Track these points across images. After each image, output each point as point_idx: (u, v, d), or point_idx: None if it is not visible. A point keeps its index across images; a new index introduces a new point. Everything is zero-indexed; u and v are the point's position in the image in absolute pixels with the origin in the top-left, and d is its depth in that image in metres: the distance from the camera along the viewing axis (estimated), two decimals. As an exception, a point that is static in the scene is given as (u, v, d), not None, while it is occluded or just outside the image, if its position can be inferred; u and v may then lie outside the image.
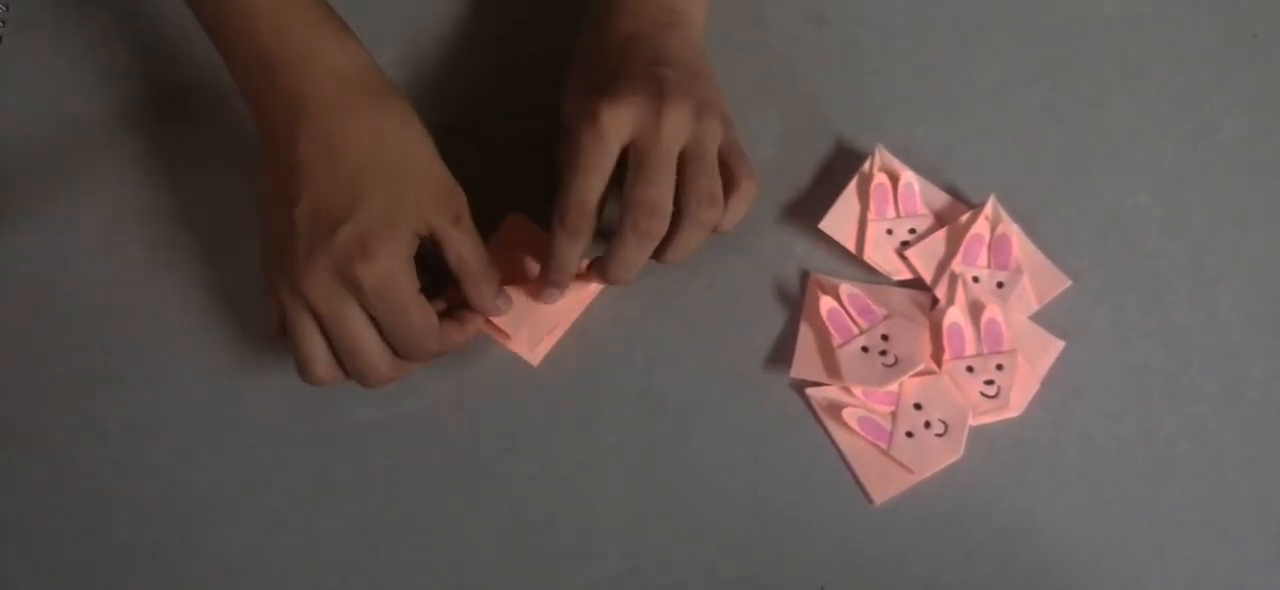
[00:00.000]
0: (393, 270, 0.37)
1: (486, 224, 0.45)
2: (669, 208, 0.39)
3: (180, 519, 0.42)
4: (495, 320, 0.43)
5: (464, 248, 0.39)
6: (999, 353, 0.43)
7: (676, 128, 0.38)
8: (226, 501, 0.42)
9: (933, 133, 0.48)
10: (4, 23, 0.45)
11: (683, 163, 0.39)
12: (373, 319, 0.38)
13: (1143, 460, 0.42)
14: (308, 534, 0.41)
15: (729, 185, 0.40)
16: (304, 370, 0.38)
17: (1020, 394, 0.43)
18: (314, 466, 0.42)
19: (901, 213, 0.45)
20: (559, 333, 0.44)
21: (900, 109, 0.48)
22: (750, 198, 0.41)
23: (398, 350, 0.38)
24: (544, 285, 0.41)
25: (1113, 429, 0.43)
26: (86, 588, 0.41)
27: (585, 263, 0.42)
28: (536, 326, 0.43)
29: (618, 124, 0.38)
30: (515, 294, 0.42)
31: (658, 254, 0.40)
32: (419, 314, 0.38)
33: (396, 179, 0.38)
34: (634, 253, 0.39)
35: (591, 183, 0.39)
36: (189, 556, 0.41)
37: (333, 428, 0.43)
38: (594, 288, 0.44)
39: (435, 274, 0.40)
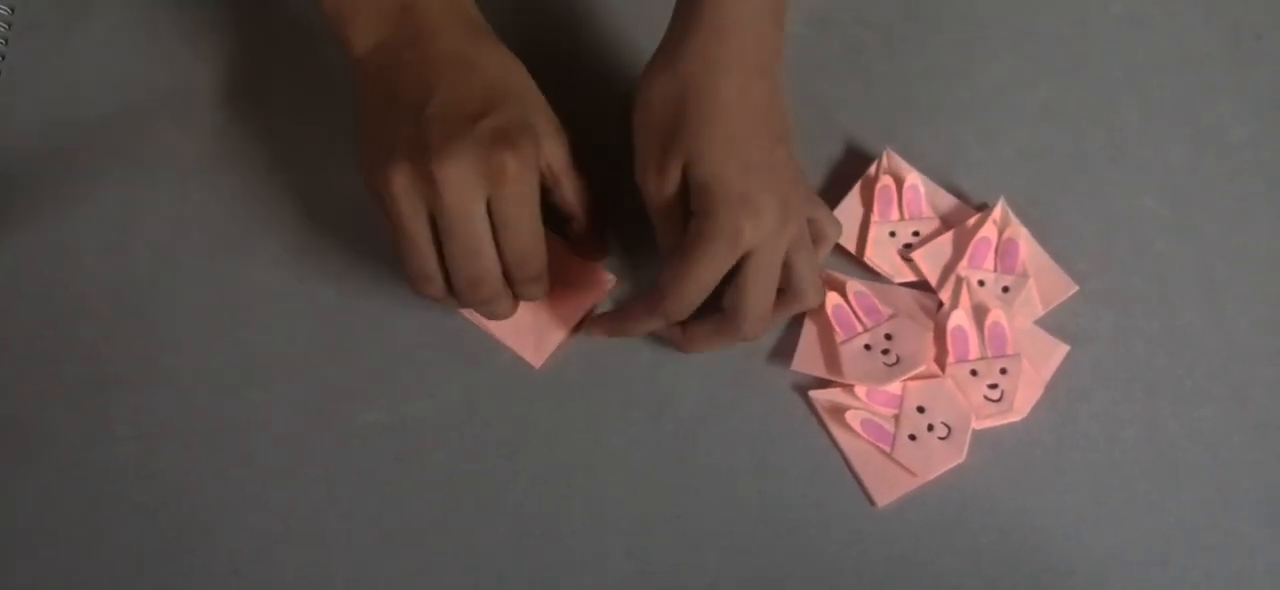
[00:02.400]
0: (530, 166, 0.37)
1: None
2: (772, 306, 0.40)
3: (187, 521, 0.42)
4: (497, 326, 0.43)
5: (580, 188, 0.41)
6: (1003, 357, 0.43)
7: (788, 238, 0.39)
8: (233, 504, 0.42)
9: (938, 135, 0.48)
10: (9, 25, 0.45)
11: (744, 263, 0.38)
12: (493, 227, 0.37)
13: (1147, 464, 0.42)
14: (314, 536, 0.42)
15: (783, 295, 0.41)
16: (417, 278, 0.38)
17: (1024, 398, 0.43)
18: (321, 469, 0.42)
19: (905, 215, 0.45)
20: (562, 336, 0.44)
21: (905, 112, 0.48)
22: (792, 309, 0.41)
23: (508, 261, 0.38)
24: (603, 327, 0.43)
25: (1117, 432, 0.43)
26: (94, 586, 0.41)
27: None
28: (541, 330, 0.43)
29: (749, 236, 0.37)
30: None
31: (682, 331, 0.42)
32: (536, 225, 0.38)
33: (525, 102, 0.39)
34: (720, 343, 0.41)
35: (705, 285, 0.38)
36: (196, 558, 0.41)
37: (339, 431, 0.43)
38: (598, 293, 0.44)
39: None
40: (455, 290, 0.38)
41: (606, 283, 0.44)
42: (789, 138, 0.40)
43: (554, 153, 0.39)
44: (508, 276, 0.39)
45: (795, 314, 0.42)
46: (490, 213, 0.37)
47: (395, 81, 0.38)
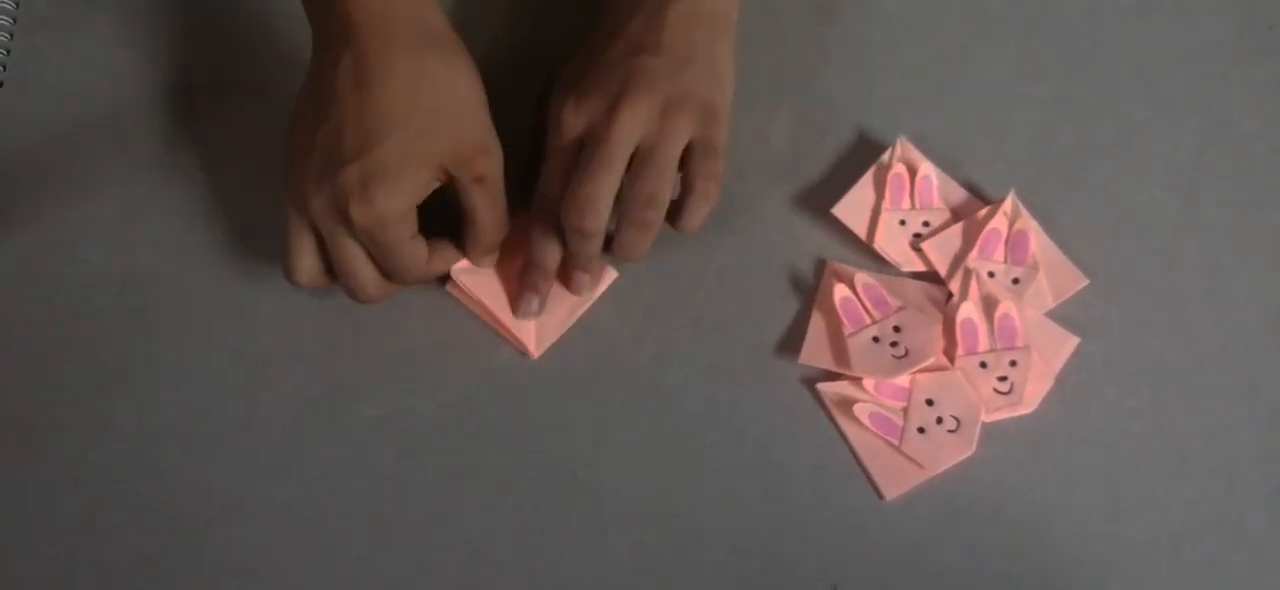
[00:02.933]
0: (386, 216, 0.38)
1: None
2: (606, 206, 0.39)
3: (191, 516, 0.42)
4: (499, 314, 0.43)
5: (477, 209, 0.40)
6: (1012, 349, 0.43)
7: (629, 127, 0.39)
8: (238, 499, 0.42)
9: (945, 128, 0.47)
10: (14, 20, 0.45)
11: (633, 160, 0.39)
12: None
13: (1157, 457, 0.42)
14: (318, 530, 0.41)
15: (686, 185, 0.40)
16: (289, 272, 0.40)
17: (1034, 390, 0.42)
18: (324, 464, 0.42)
19: (917, 205, 0.45)
20: (564, 326, 0.44)
21: (912, 104, 0.47)
22: (707, 200, 0.40)
23: (386, 275, 0.41)
24: (526, 274, 0.43)
25: (1127, 425, 0.43)
26: (97, 583, 0.41)
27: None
28: (542, 322, 0.43)
29: (572, 120, 0.39)
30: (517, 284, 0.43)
31: (606, 250, 0.41)
32: (408, 252, 0.40)
33: (422, 126, 0.38)
34: (579, 250, 0.41)
35: (558, 177, 0.40)
36: (200, 553, 0.41)
37: (343, 425, 0.43)
38: (601, 283, 0.44)
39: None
40: (389, 278, 0.41)
41: (608, 275, 0.44)
42: (653, 54, 0.39)
43: (456, 168, 0.39)
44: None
45: (701, 213, 0.40)
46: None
47: (313, 93, 0.40)
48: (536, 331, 0.43)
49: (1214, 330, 0.44)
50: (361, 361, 0.44)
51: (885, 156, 0.46)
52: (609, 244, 0.41)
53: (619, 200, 0.40)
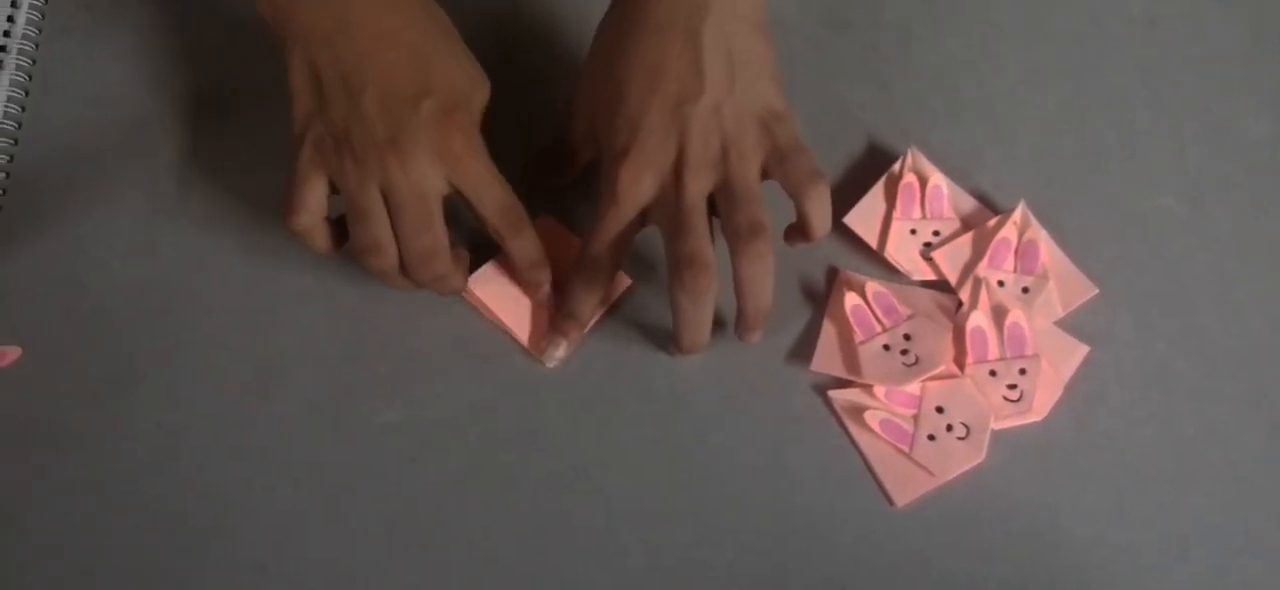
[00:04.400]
0: (473, 135, 0.40)
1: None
2: (710, 256, 0.38)
3: (210, 518, 0.42)
4: (514, 326, 0.43)
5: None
6: (1022, 357, 0.43)
7: (700, 185, 0.38)
8: (253, 502, 0.42)
9: (955, 136, 0.48)
10: (39, 30, 0.46)
11: (716, 202, 0.39)
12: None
13: (1166, 464, 0.42)
14: (332, 535, 0.42)
15: (795, 191, 0.39)
16: (369, 252, 0.40)
17: (1043, 398, 0.43)
18: (341, 468, 0.43)
19: (927, 214, 0.46)
20: (578, 336, 0.44)
21: (922, 114, 0.48)
22: (820, 191, 0.39)
23: (489, 217, 0.41)
24: (551, 337, 0.43)
25: (1136, 433, 0.43)
26: (115, 584, 0.42)
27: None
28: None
29: (634, 192, 0.39)
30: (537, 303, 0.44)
31: (741, 313, 0.40)
32: (497, 175, 0.41)
33: (450, 61, 0.41)
34: (694, 313, 0.40)
35: (608, 239, 0.40)
36: (216, 555, 0.42)
37: (356, 431, 0.43)
38: (615, 291, 0.45)
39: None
40: (408, 266, 0.40)
41: (623, 282, 0.45)
42: (697, 98, 0.38)
43: (479, 102, 0.41)
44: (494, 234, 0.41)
45: (822, 210, 0.39)
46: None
47: (328, 65, 0.39)
48: (549, 339, 0.44)
49: (1222, 338, 0.44)
50: (375, 367, 0.44)
51: (896, 166, 0.46)
52: (740, 320, 0.41)
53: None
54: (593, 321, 0.44)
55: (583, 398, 0.44)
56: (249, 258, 0.46)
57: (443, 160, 0.39)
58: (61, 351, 0.45)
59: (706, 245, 0.38)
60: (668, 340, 0.44)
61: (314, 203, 0.40)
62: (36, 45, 0.49)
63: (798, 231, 0.40)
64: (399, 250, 0.40)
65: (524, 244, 0.42)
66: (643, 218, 0.41)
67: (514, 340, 0.44)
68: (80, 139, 0.48)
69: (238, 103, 0.49)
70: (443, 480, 0.43)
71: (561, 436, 0.43)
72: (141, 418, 0.44)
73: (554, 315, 0.43)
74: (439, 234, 0.40)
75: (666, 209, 0.39)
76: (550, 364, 0.43)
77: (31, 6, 0.50)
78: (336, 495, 0.43)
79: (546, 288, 0.44)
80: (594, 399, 0.44)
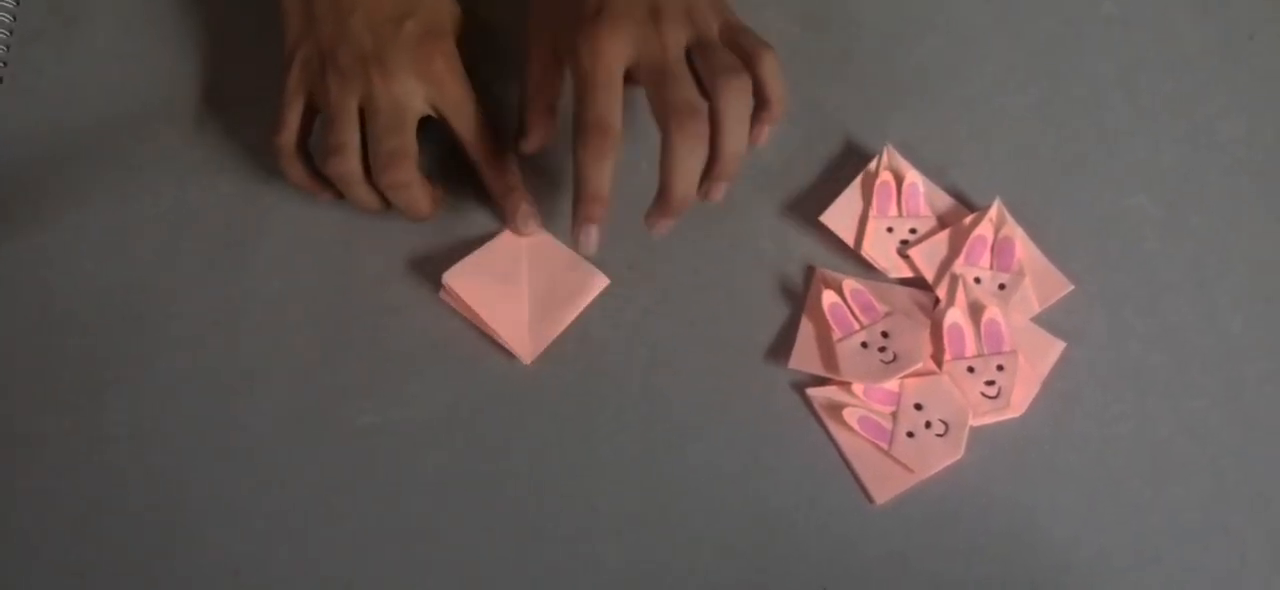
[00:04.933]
0: (452, 55, 0.43)
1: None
2: (704, 104, 0.39)
3: (184, 522, 0.42)
4: (490, 320, 0.43)
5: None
6: (1000, 353, 0.43)
7: (678, 36, 0.40)
8: (231, 505, 0.42)
9: (931, 134, 0.48)
10: (10, 33, 0.46)
11: (692, 57, 0.40)
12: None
13: (1142, 460, 0.42)
14: (308, 538, 0.42)
15: (748, 62, 0.40)
16: (335, 151, 0.42)
17: (1021, 395, 0.43)
18: (317, 471, 0.42)
19: (904, 212, 0.46)
20: (555, 331, 0.44)
21: (898, 112, 0.48)
22: (774, 63, 0.41)
23: (463, 134, 0.43)
24: (579, 227, 0.41)
25: (1112, 430, 0.43)
26: (85, 589, 0.41)
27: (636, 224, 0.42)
28: (535, 326, 0.44)
29: (617, 48, 0.39)
30: (512, 295, 0.44)
31: (711, 170, 0.40)
32: (470, 91, 0.44)
33: None
34: (688, 161, 0.39)
35: (606, 98, 0.39)
36: (193, 560, 0.41)
37: (333, 433, 0.43)
38: (593, 290, 0.44)
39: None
40: (374, 170, 0.42)
41: (600, 282, 0.45)
42: None
43: (455, 29, 0.44)
44: (470, 154, 0.44)
45: (777, 77, 0.41)
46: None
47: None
48: (528, 337, 0.44)
49: (1197, 335, 0.44)
50: (353, 369, 0.44)
51: (872, 165, 0.46)
52: (713, 163, 0.40)
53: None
54: (571, 319, 0.44)
55: (560, 396, 0.43)
56: (224, 259, 0.46)
57: (424, 80, 0.42)
58: (31, 354, 0.44)
59: (696, 93, 0.39)
60: (643, 338, 0.44)
61: (294, 119, 0.43)
62: (8, 47, 0.48)
63: (759, 107, 0.41)
64: (367, 160, 0.42)
65: (502, 169, 0.44)
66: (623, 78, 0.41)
67: (492, 339, 0.44)
68: (52, 142, 0.48)
69: (210, 106, 0.48)
70: (421, 482, 0.42)
71: (539, 437, 0.43)
72: (113, 422, 0.43)
73: (573, 205, 0.41)
74: (408, 141, 0.42)
75: (651, 62, 0.39)
76: (587, 253, 0.42)
77: (2, 9, 0.49)
78: (314, 498, 0.42)
79: (532, 218, 0.44)
80: (571, 399, 0.43)
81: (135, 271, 0.45)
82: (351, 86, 0.41)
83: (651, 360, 0.44)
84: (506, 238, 0.45)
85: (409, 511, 0.42)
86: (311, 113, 0.43)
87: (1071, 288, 0.45)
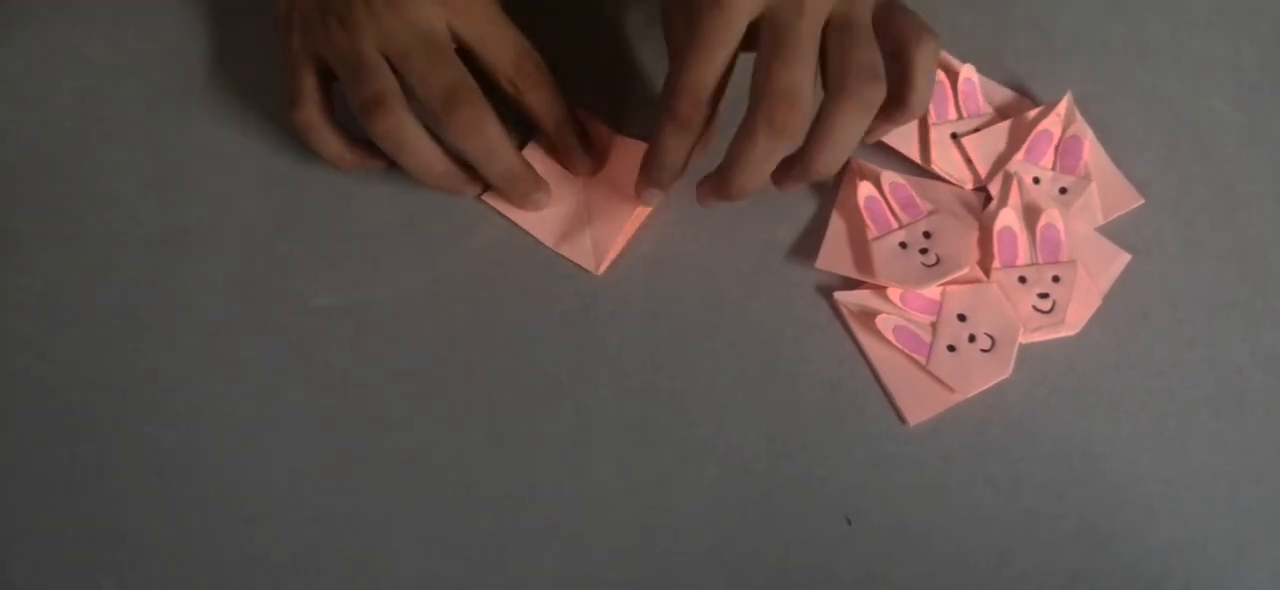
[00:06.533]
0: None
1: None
2: (810, 100, 0.31)
3: (100, 406, 0.36)
4: (548, 230, 0.38)
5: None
6: (1056, 263, 0.38)
7: (821, 7, 0.32)
8: (156, 390, 0.36)
9: (983, 19, 0.42)
10: None
11: (828, 36, 0.32)
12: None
13: (1212, 390, 0.37)
14: (251, 431, 0.36)
15: (901, 48, 0.33)
16: (292, 105, 0.35)
17: (1078, 311, 0.37)
18: (262, 355, 0.36)
19: (964, 113, 0.40)
20: (624, 238, 0.38)
21: (949, -9, 0.42)
22: (931, 55, 0.33)
23: (495, 62, 0.36)
24: (643, 187, 0.35)
25: (1180, 354, 0.38)
26: (11, 479, 0.35)
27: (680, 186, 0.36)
28: (599, 234, 0.38)
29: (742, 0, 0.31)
30: (575, 197, 0.38)
31: (792, 165, 0.33)
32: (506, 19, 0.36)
33: None
34: (764, 155, 0.32)
35: (710, 64, 0.32)
36: (108, 449, 0.35)
37: (285, 314, 0.37)
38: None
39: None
40: (435, 117, 0.34)
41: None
42: None
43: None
44: (500, 87, 0.36)
45: (929, 81, 0.33)
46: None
47: None
48: (593, 246, 0.38)
49: (1276, 255, 0.39)
50: (312, 244, 0.38)
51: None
52: (798, 161, 0.33)
53: (826, 86, 0.32)
54: (640, 223, 0.38)
55: (554, 291, 0.38)
56: (162, 109, 0.39)
57: (440, 2, 0.34)
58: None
59: (811, 82, 0.32)
60: (652, 225, 0.38)
61: (310, 88, 0.35)
62: None
63: (892, 101, 0.34)
64: (416, 107, 0.34)
65: (545, 97, 0.36)
66: (744, 41, 0.33)
67: (468, 215, 0.38)
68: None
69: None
70: (386, 373, 0.36)
71: (524, 330, 0.37)
72: (21, 287, 0.37)
73: (643, 164, 0.35)
74: (459, 68, 0.34)
75: (778, 25, 0.31)
76: (648, 204, 0.37)
77: None
78: (259, 385, 0.36)
79: (586, 157, 0.38)
80: (565, 284, 0.37)
81: (60, 117, 0.39)
82: (361, 28, 0.34)
83: (658, 249, 0.38)
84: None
85: (368, 406, 0.36)
86: (328, 77, 0.36)
87: (1141, 202, 0.39)
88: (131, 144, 0.39)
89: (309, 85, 0.35)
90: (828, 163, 0.32)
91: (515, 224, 0.38)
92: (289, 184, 0.38)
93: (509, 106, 0.36)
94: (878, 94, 0.31)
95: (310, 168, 0.39)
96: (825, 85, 0.32)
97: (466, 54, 0.35)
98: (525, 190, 0.36)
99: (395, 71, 0.34)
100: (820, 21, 0.32)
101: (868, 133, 0.35)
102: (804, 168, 0.33)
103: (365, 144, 0.36)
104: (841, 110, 0.31)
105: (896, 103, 0.34)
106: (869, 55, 0.32)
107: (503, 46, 0.35)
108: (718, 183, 0.34)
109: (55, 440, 0.35)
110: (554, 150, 0.38)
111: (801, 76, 0.31)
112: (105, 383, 0.36)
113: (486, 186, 0.38)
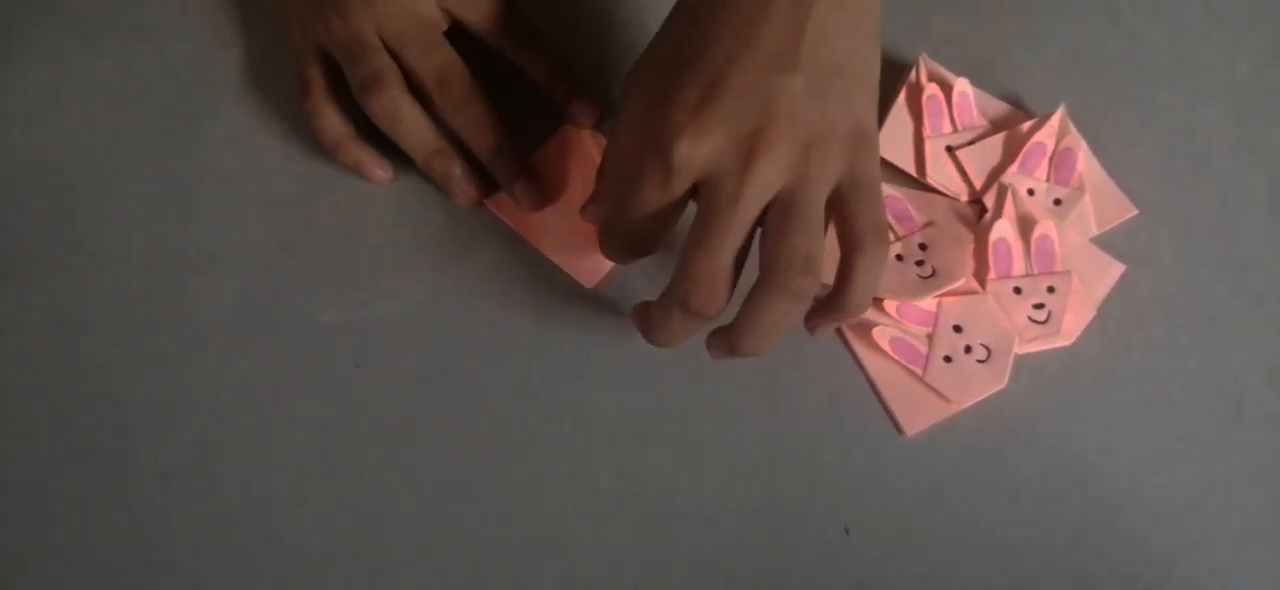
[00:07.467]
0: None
1: (537, 139, 0.40)
2: (734, 279, 0.31)
3: (109, 422, 0.36)
4: (546, 237, 0.38)
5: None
6: (1051, 274, 0.38)
7: (768, 178, 0.30)
8: (169, 405, 0.37)
9: (977, 31, 0.43)
10: None
11: (770, 214, 0.30)
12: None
13: (1207, 399, 0.38)
14: (259, 448, 0.36)
15: (854, 240, 0.31)
16: (308, 115, 0.38)
17: (1073, 320, 0.38)
18: (271, 372, 0.37)
19: (958, 126, 0.40)
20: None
21: (940, 3, 0.43)
22: (876, 263, 0.31)
23: (495, 35, 0.38)
24: (645, 336, 0.34)
25: (1176, 363, 0.38)
26: (11, 488, 0.36)
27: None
28: (595, 251, 0.38)
29: (691, 158, 0.30)
30: (566, 215, 0.38)
31: (729, 337, 0.32)
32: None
33: None
34: (681, 332, 0.32)
35: (639, 211, 0.31)
36: (118, 464, 0.36)
37: (292, 332, 0.37)
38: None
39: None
40: (430, 97, 0.37)
41: None
42: (793, 71, 0.30)
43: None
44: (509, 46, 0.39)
45: (870, 281, 0.31)
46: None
47: None
48: (589, 261, 0.38)
49: (1272, 262, 0.40)
50: (316, 260, 0.38)
51: (912, 76, 0.41)
52: (732, 333, 0.32)
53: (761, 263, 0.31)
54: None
55: (551, 301, 0.38)
56: (172, 131, 0.40)
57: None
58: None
59: (730, 264, 0.31)
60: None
61: (314, 76, 0.38)
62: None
63: (828, 302, 0.32)
64: (412, 88, 0.37)
65: (542, 51, 0.39)
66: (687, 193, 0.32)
67: (546, 254, 0.38)
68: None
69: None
70: (391, 389, 0.37)
71: (527, 344, 0.38)
72: (34, 305, 0.37)
73: (643, 330, 0.34)
74: (452, 54, 0.37)
75: (716, 188, 0.30)
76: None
77: None
78: (266, 402, 0.37)
79: (589, 108, 0.39)
80: (565, 301, 0.38)
81: (70, 139, 0.40)
82: (356, 13, 0.36)
83: (656, 259, 0.39)
84: (557, 153, 0.40)
85: (374, 420, 0.37)
86: (333, 68, 0.38)
87: (1135, 212, 0.40)
88: (140, 165, 0.39)
89: (314, 73, 0.38)
90: (754, 347, 0.31)
91: (517, 243, 0.39)
92: (295, 205, 0.39)
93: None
94: (808, 287, 0.30)
95: (316, 188, 0.39)
96: (760, 264, 0.31)
97: (461, 31, 0.38)
98: (512, 171, 0.38)
99: (393, 56, 0.37)
100: (769, 188, 0.30)
101: (807, 319, 0.33)
102: (730, 346, 0.32)
103: (365, 145, 0.38)
104: (767, 298, 0.30)
105: (830, 299, 0.32)
106: (804, 244, 0.30)
107: (494, 13, 0.38)
108: (648, 334, 0.33)
109: (65, 459, 0.36)
110: (552, 163, 0.39)
111: (721, 263, 0.30)
112: (115, 402, 0.37)
113: (486, 191, 0.39)
